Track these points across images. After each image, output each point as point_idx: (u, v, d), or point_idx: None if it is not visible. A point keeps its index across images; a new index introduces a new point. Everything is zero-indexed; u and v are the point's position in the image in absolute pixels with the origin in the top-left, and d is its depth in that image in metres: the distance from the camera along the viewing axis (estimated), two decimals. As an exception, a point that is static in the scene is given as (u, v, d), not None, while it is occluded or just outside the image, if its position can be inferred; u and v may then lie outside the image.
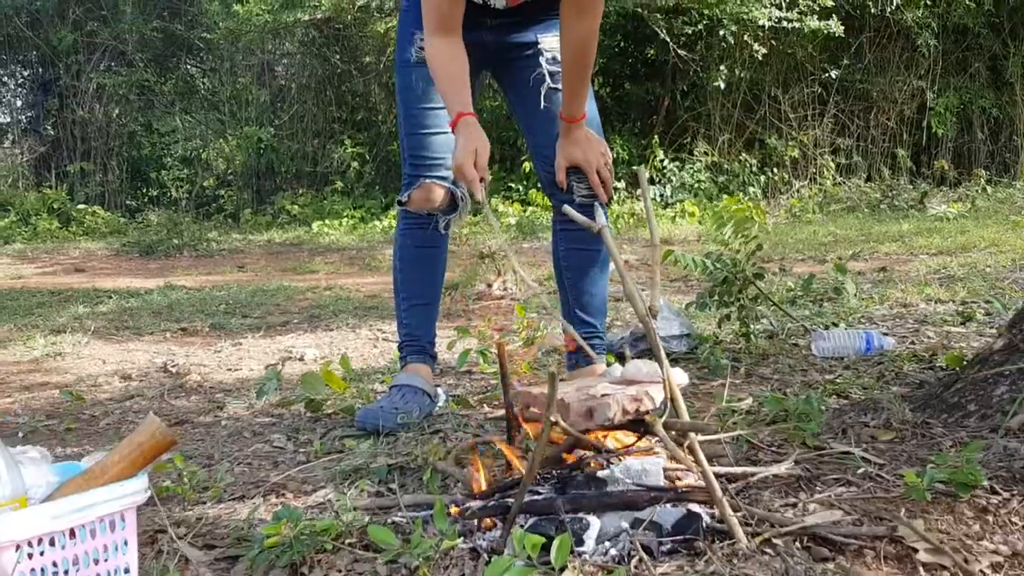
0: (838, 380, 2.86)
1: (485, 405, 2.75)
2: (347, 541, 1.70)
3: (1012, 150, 13.42)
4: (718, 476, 1.70)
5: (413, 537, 1.54)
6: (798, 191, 12.22)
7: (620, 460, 1.74)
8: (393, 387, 2.60)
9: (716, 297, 3.36)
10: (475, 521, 1.71)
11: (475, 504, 1.73)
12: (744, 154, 12.37)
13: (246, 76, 14.53)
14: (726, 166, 12.24)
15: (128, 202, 14.64)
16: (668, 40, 11.23)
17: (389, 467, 2.14)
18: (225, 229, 12.46)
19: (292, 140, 13.95)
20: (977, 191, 11.56)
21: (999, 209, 10.35)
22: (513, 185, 11.70)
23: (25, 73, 16.46)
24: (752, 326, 3.39)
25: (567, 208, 1.83)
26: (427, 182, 2.57)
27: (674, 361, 3.31)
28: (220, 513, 1.98)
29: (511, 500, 1.69)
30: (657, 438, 1.62)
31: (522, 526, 1.70)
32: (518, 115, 2.70)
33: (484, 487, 1.79)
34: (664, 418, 1.60)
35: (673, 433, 1.63)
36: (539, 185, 8.75)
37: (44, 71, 15.77)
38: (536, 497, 1.71)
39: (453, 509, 1.75)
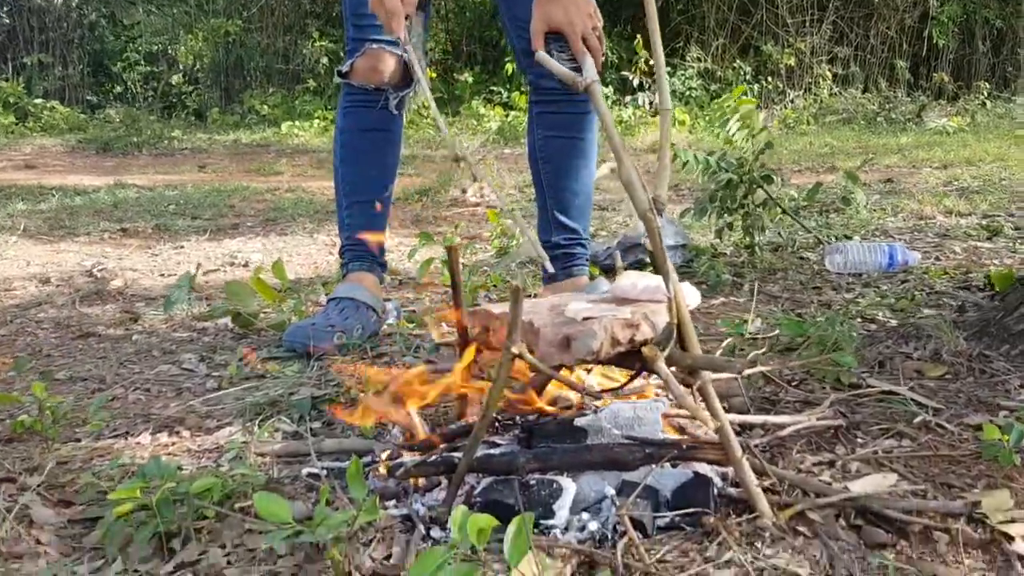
0: (860, 300, 2.44)
1: (446, 324, 2.30)
2: (238, 505, 1.28)
3: (1014, 64, 12.90)
4: (735, 428, 1.28)
5: (317, 511, 1.11)
6: (792, 101, 11.67)
7: (606, 404, 1.31)
8: (331, 300, 2.15)
9: (717, 203, 2.91)
10: (411, 481, 1.29)
11: (411, 459, 1.30)
12: (738, 61, 11.77)
13: (214, -36, 13.64)
14: (719, 73, 11.65)
15: (89, 98, 13.87)
16: (663, -66, 10.50)
17: (314, 400, 1.71)
18: (190, 128, 11.79)
19: (262, 34, 13.16)
20: (977, 105, 11.07)
21: (999, 124, 9.90)
22: (495, 88, 11.08)
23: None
24: (757, 237, 2.95)
25: (542, 55, 1.35)
26: (374, 48, 2.07)
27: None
28: (92, 456, 1.55)
29: (459, 455, 1.26)
30: (657, 377, 1.18)
31: (473, 487, 1.28)
32: None
33: (426, 434, 1.36)
34: (668, 351, 1.16)
35: (677, 371, 1.19)
36: (522, 87, 7.99)
37: (-2, -47, 14.78)
38: (492, 451, 1.28)
39: (382, 465, 1.32)
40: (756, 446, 1.33)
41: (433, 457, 1.27)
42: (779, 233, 3.06)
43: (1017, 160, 6.23)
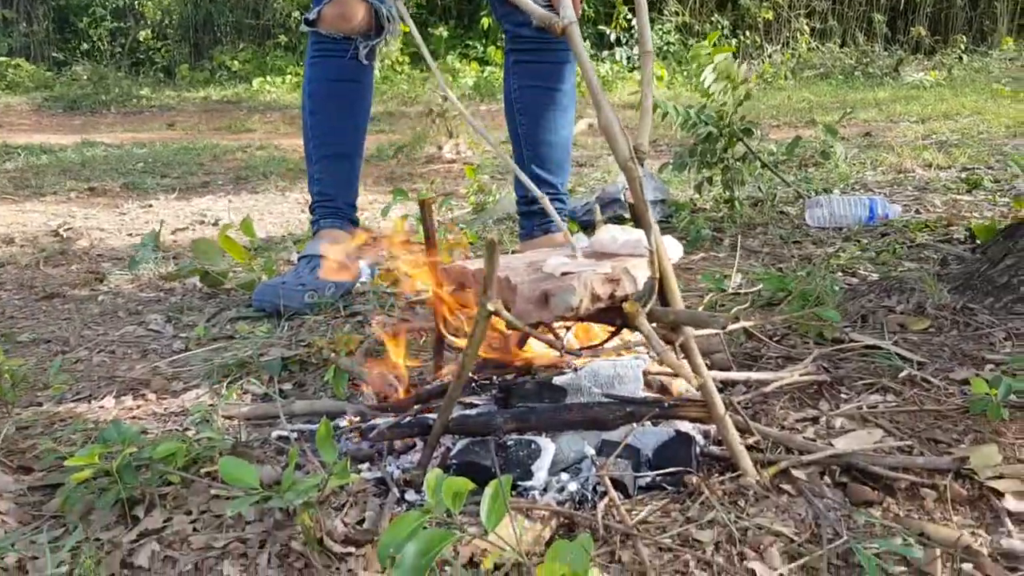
0: (841, 254, 2.41)
1: (419, 281, 2.25)
2: (204, 470, 1.23)
3: (991, 17, 12.84)
4: (717, 385, 1.24)
5: (286, 475, 1.06)
6: (770, 56, 11.58)
7: (585, 362, 1.27)
8: (302, 258, 2.09)
9: (697, 157, 2.86)
10: (385, 443, 1.25)
11: (384, 420, 1.26)
12: (716, 15, 11.65)
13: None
14: (697, 27, 11.53)
15: (55, 55, 13.53)
16: None
17: (285, 361, 1.65)
18: (158, 85, 11.55)
19: (232, -12, 12.88)
20: (954, 59, 11.03)
21: (976, 78, 9.87)
22: (471, 43, 10.91)
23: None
24: (737, 191, 2.90)
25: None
26: (342, -6, 1.99)
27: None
28: (53, 421, 1.49)
29: (434, 416, 1.22)
30: (638, 334, 1.14)
31: (449, 449, 1.24)
32: None
33: (400, 394, 1.32)
34: (649, 306, 1.11)
35: (659, 327, 1.15)
36: (499, 42, 7.81)
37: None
38: (469, 412, 1.23)
39: (353, 434, 1.28)
40: (739, 403, 1.29)
41: (407, 419, 1.23)
42: (759, 188, 3.02)
43: (994, 114, 6.21)
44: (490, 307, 1.09)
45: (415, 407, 1.27)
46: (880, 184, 3.56)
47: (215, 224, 3.48)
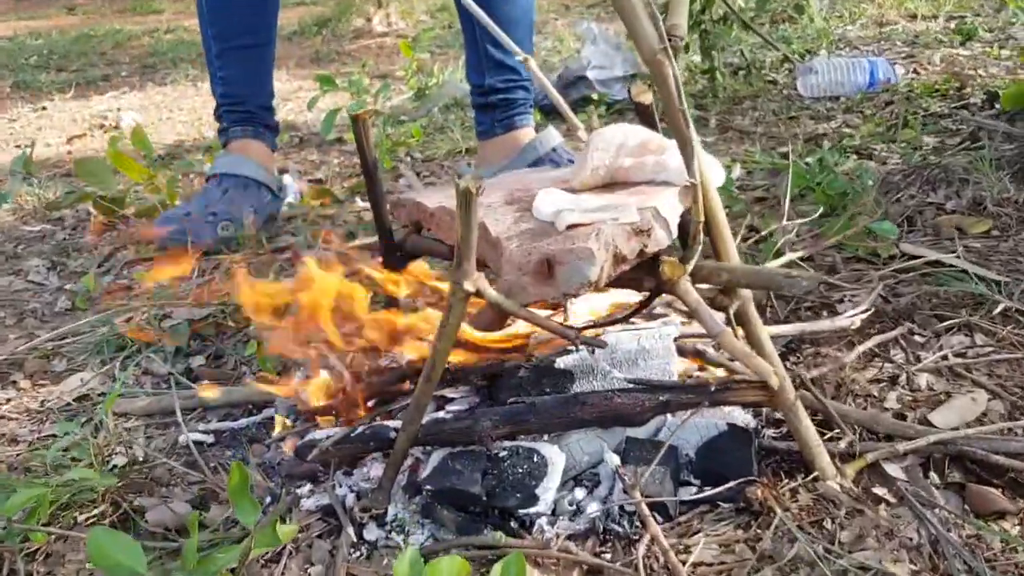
0: (846, 129, 2.07)
1: (360, 198, 1.87)
2: (84, 516, 0.89)
3: None
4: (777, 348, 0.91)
5: (187, 547, 0.73)
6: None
7: (598, 333, 0.93)
8: (210, 178, 1.69)
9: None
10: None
11: (324, 433, 0.92)
12: None
13: None
14: None
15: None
16: None
17: (194, 325, 1.29)
18: (55, -36, 10.53)
19: None
20: None
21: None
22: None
23: None
24: (718, 59, 2.52)
25: None
26: None
27: (617, 113, 2.46)
28: None
29: (395, 425, 0.88)
30: (676, 301, 0.81)
31: (420, 462, 0.91)
32: None
33: (345, 385, 0.97)
34: (692, 263, 0.78)
35: (707, 290, 0.81)
36: None
37: None
38: (443, 414, 0.90)
39: (286, 442, 0.94)
40: (799, 365, 0.98)
41: (359, 429, 0.89)
42: (740, 52, 2.64)
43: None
44: (468, 286, 0.74)
45: (371, 407, 0.94)
46: (865, 40, 3.19)
47: (117, 127, 3.01)
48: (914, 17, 3.53)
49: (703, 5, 2.46)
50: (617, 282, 0.80)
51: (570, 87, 2.40)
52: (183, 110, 3.26)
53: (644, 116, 0.91)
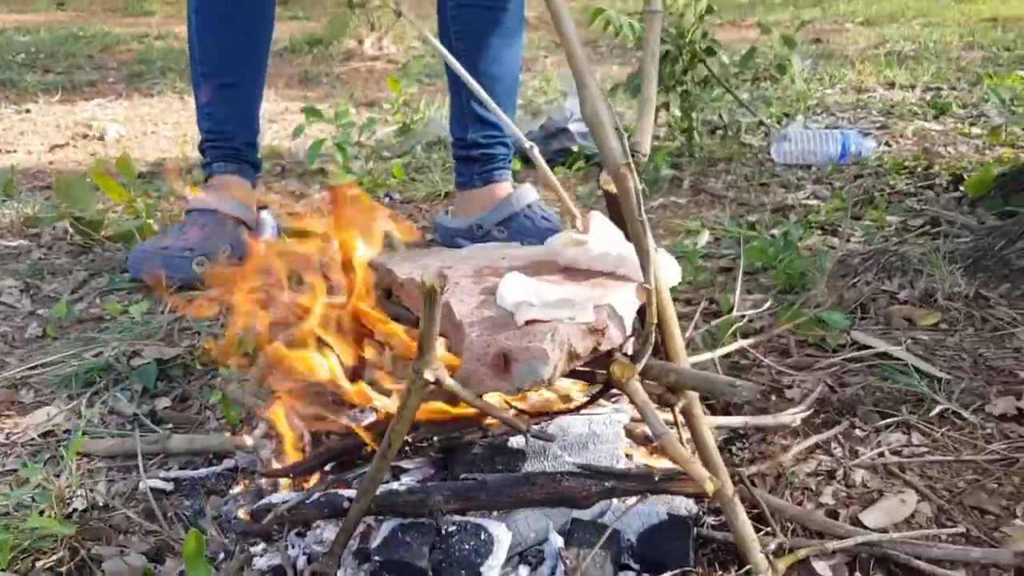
0: (812, 201, 2.14)
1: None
2: (42, 564, 0.91)
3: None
4: (717, 440, 0.96)
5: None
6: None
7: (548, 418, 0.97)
8: (190, 213, 1.72)
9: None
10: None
11: (280, 497, 0.95)
12: None
13: None
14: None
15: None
16: None
17: (162, 366, 1.32)
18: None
19: None
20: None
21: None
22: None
23: None
24: (696, 117, 2.59)
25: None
26: None
27: (596, 166, 2.51)
28: None
29: (348, 494, 0.92)
30: (624, 398, 0.85)
31: (371, 529, 0.94)
32: None
33: (302, 448, 1.01)
34: (642, 363, 0.82)
35: (655, 385, 0.86)
36: None
37: None
38: (396, 485, 0.93)
39: (243, 510, 0.97)
40: (740, 462, 1.02)
41: (314, 495, 0.92)
42: (719, 114, 2.71)
43: (939, 17, 5.98)
44: (428, 376, 0.78)
45: (326, 473, 0.97)
46: (842, 107, 3.28)
47: (101, 138, 3.03)
48: (892, 85, 3.63)
49: (685, 67, 2.53)
50: (570, 373, 0.84)
51: (552, 138, 2.46)
52: (167, 124, 3.28)
53: (612, 204, 0.95)
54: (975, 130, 2.84)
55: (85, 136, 3.07)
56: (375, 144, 2.79)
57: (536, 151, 0.98)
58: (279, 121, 3.28)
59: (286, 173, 2.53)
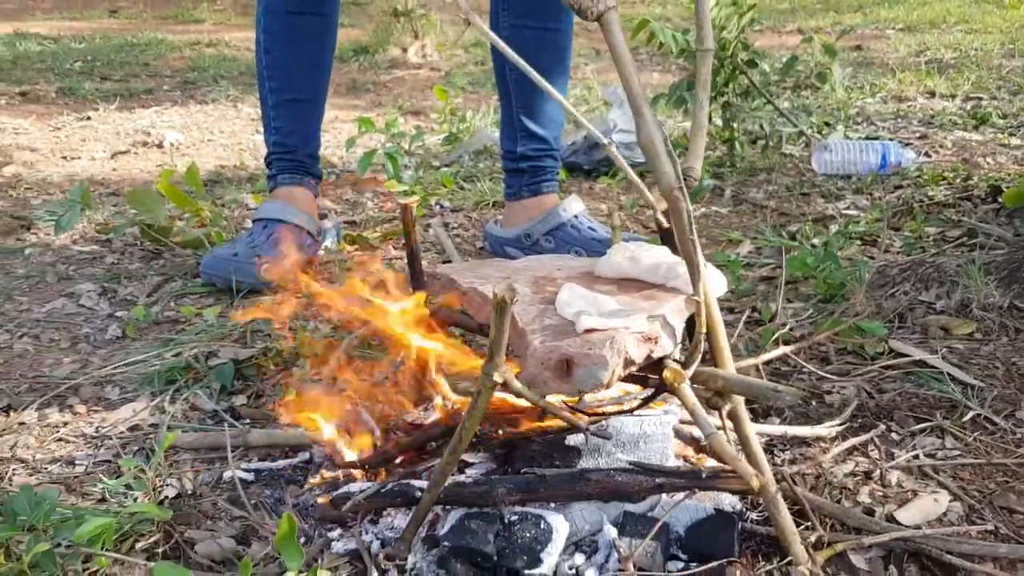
0: (852, 212, 2.19)
1: (392, 246, 2.00)
2: (140, 545, 1.01)
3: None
4: (760, 439, 1.03)
5: (244, 566, 0.84)
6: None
7: (604, 418, 1.05)
8: (257, 222, 1.82)
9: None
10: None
11: (357, 486, 1.04)
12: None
13: None
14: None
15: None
16: None
17: (238, 365, 1.41)
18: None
19: None
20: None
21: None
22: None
23: None
24: (737, 127, 2.65)
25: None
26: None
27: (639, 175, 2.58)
28: (-42, 447, 1.26)
29: (420, 484, 1.00)
30: (675, 400, 0.93)
31: (439, 517, 1.03)
32: None
33: (376, 441, 1.09)
34: (692, 369, 0.90)
35: (703, 390, 0.93)
36: None
37: None
38: (463, 478, 1.02)
39: (321, 496, 1.05)
40: (781, 463, 1.09)
41: (388, 485, 1.01)
42: (760, 124, 2.77)
43: (981, 23, 5.96)
44: (496, 378, 0.86)
45: (397, 467, 1.06)
46: (883, 116, 3.32)
47: (160, 146, 3.16)
48: (932, 95, 3.66)
49: (727, 79, 2.59)
50: (625, 378, 0.92)
51: (594, 148, 2.53)
52: (223, 132, 3.40)
53: (663, 231, 1.03)
54: (1015, 140, 2.88)
55: (144, 143, 3.19)
56: (423, 153, 2.88)
57: (613, 147, 1.05)
58: (329, 130, 3.39)
59: (338, 182, 2.63)
